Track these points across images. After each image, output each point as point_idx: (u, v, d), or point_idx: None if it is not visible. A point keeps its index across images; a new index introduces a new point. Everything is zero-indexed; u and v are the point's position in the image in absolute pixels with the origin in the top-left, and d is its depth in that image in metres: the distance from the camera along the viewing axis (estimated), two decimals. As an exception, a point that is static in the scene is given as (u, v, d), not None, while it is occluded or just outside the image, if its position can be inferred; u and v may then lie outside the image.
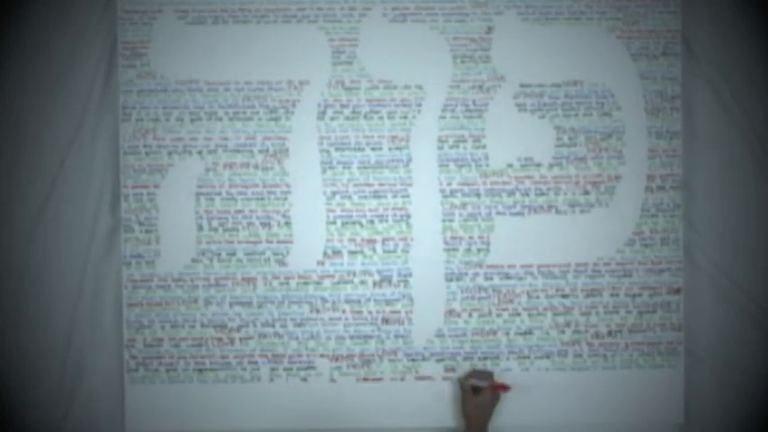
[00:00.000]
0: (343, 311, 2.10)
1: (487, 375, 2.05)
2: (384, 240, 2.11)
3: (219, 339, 2.10)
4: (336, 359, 2.10)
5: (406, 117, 2.12)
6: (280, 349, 2.10)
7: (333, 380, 2.10)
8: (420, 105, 2.12)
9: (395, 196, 2.12)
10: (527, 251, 2.11)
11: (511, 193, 2.12)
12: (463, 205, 2.12)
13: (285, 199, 2.11)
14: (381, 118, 2.12)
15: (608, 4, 2.14)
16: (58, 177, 2.12)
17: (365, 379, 2.10)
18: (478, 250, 2.11)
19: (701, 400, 2.14)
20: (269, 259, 2.10)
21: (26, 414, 2.11)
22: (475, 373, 2.05)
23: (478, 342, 2.11)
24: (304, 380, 2.09)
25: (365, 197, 2.12)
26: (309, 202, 2.11)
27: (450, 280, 2.11)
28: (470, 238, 2.11)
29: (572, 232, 2.12)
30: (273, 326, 2.10)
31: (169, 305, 2.09)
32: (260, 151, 2.11)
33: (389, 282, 2.11)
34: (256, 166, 2.11)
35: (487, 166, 2.12)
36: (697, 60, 2.16)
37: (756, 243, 2.17)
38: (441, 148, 2.12)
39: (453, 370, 2.10)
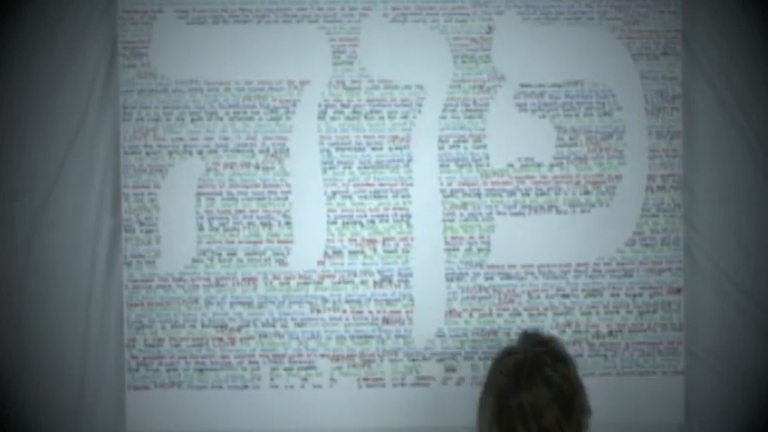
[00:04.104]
0: (344, 311, 2.10)
1: None
2: (384, 240, 2.11)
3: (220, 339, 2.10)
4: (337, 359, 2.10)
5: (406, 117, 2.12)
6: (280, 349, 2.10)
7: (333, 380, 2.10)
8: (420, 105, 2.12)
9: (395, 196, 2.12)
10: (528, 251, 2.11)
11: (511, 193, 2.12)
12: (464, 205, 2.12)
13: (286, 199, 2.11)
14: (382, 118, 2.12)
15: (608, 4, 2.14)
16: (59, 177, 2.12)
17: (365, 379, 2.10)
18: (479, 250, 2.12)
19: (700, 400, 2.15)
20: (269, 259, 2.10)
21: (27, 412, 2.10)
22: None
23: (479, 342, 2.11)
24: (305, 380, 2.09)
25: (366, 197, 2.12)
26: (310, 202, 2.11)
27: (451, 280, 2.11)
28: (471, 238, 2.11)
29: (572, 232, 2.12)
30: (274, 326, 2.10)
31: (170, 305, 2.09)
32: (260, 151, 2.11)
33: (390, 282, 2.11)
34: (257, 166, 2.11)
35: (488, 165, 2.12)
36: (697, 60, 2.16)
37: (757, 243, 2.17)
38: (441, 147, 2.12)
39: (454, 370, 2.10)
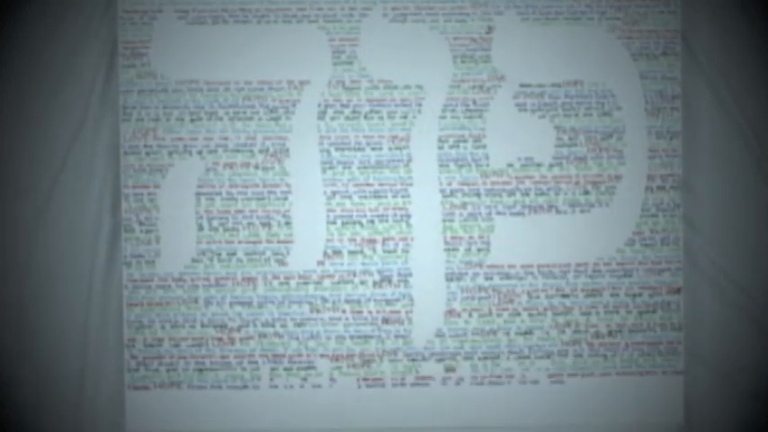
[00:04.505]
0: (344, 311, 2.11)
1: None
2: (384, 240, 2.11)
3: (220, 339, 2.10)
4: (336, 359, 2.10)
5: (406, 117, 2.12)
6: (280, 349, 2.10)
7: (333, 380, 2.10)
8: (420, 105, 2.12)
9: (395, 196, 2.12)
10: (527, 251, 2.11)
11: (511, 193, 2.12)
12: (463, 205, 2.12)
13: (285, 199, 2.11)
14: (381, 118, 2.12)
15: (608, 4, 2.14)
16: (59, 178, 2.13)
17: (365, 379, 2.10)
18: (479, 250, 2.12)
19: (700, 400, 2.15)
20: (269, 259, 2.11)
21: (26, 413, 2.11)
22: None
23: (479, 342, 2.11)
24: (304, 380, 2.09)
25: (365, 197, 2.12)
26: (309, 202, 2.11)
27: (451, 280, 2.11)
28: (470, 237, 2.12)
29: (572, 232, 2.12)
30: (273, 326, 2.10)
31: (169, 305, 2.10)
32: (260, 151, 2.11)
33: (389, 282, 2.11)
34: (257, 166, 2.11)
35: (488, 165, 2.13)
36: (697, 60, 2.17)
37: (756, 243, 2.18)
38: (441, 147, 2.12)
39: (454, 370, 2.10)
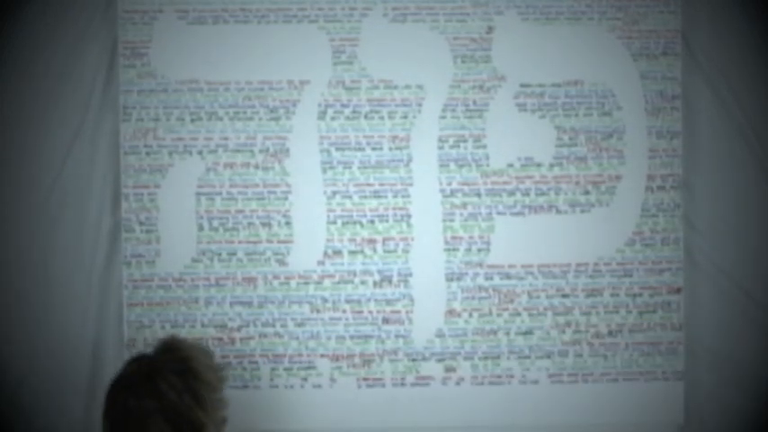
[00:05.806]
0: (344, 311, 2.10)
1: None
2: (384, 240, 2.11)
3: (220, 339, 2.10)
4: (337, 359, 2.10)
5: (406, 117, 2.12)
6: (280, 349, 2.10)
7: (333, 380, 2.10)
8: (420, 105, 2.12)
9: (395, 196, 2.12)
10: (527, 251, 2.11)
11: (511, 193, 2.12)
12: (464, 205, 2.12)
13: (285, 199, 2.11)
14: (382, 118, 2.12)
15: (608, 4, 2.14)
16: (59, 177, 2.12)
17: (365, 379, 2.10)
18: (479, 250, 2.12)
19: (700, 400, 2.15)
20: (269, 259, 2.10)
21: (26, 413, 2.11)
22: None
23: (479, 342, 2.11)
24: (304, 380, 2.09)
25: (365, 197, 2.12)
26: (310, 202, 2.11)
27: (451, 280, 2.11)
28: (471, 237, 2.12)
29: (572, 232, 2.12)
30: (274, 326, 2.10)
31: (169, 305, 2.09)
32: (260, 151, 2.11)
33: (390, 282, 2.11)
34: (257, 166, 2.11)
35: (488, 165, 2.12)
36: (697, 60, 2.17)
37: (756, 243, 2.18)
38: (441, 147, 2.12)
39: (454, 370, 2.10)
